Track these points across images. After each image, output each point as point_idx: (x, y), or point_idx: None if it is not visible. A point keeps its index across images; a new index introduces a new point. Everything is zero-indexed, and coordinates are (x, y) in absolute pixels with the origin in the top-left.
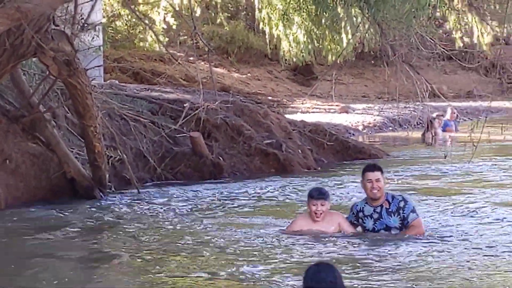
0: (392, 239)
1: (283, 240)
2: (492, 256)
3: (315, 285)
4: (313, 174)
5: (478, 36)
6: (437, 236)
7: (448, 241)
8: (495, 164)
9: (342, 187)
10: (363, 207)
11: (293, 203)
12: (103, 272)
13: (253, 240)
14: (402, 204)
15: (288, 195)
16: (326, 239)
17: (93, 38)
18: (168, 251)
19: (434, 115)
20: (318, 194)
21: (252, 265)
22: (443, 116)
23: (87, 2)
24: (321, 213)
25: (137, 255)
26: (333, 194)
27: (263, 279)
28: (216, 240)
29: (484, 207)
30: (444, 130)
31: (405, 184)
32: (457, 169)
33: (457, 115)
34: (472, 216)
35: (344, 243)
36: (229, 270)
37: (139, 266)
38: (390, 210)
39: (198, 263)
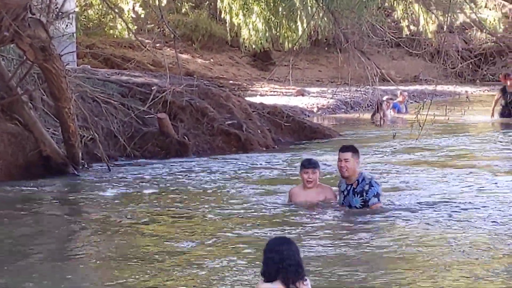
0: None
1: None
2: (436, 224)
3: (274, 256)
4: (271, 152)
5: (424, 24)
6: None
7: (398, 214)
8: (440, 142)
9: (298, 163)
10: (342, 183)
11: (253, 178)
12: (76, 243)
13: (210, 209)
14: (367, 187)
15: (248, 171)
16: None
17: (67, 25)
18: (136, 220)
19: (384, 98)
20: (308, 164)
21: (224, 231)
22: (393, 99)
23: None
24: (312, 181)
25: (107, 225)
26: (290, 170)
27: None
28: (181, 210)
29: (428, 181)
30: (398, 111)
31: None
32: (404, 147)
33: (407, 98)
34: (416, 189)
35: (323, 215)
36: (196, 237)
37: (108, 235)
38: (356, 190)
39: (168, 233)
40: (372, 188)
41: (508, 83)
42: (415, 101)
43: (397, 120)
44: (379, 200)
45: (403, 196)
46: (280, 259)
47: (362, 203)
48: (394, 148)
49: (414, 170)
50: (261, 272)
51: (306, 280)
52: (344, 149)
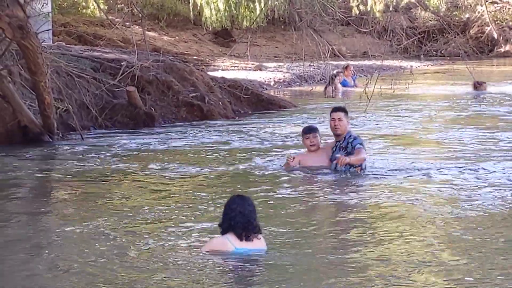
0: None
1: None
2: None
3: (228, 212)
4: (231, 122)
5: (371, 4)
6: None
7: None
8: (387, 114)
9: (255, 132)
10: (334, 142)
11: (214, 146)
12: (49, 207)
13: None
14: (351, 139)
15: (210, 138)
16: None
17: (42, 5)
18: (106, 183)
19: (335, 72)
20: (309, 130)
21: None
22: (343, 73)
23: None
24: (314, 144)
25: (79, 189)
26: (249, 137)
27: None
28: (150, 174)
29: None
30: (345, 86)
31: None
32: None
33: (353, 72)
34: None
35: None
36: (168, 200)
37: (82, 200)
38: (342, 145)
39: (138, 196)
40: (356, 139)
41: None
42: (364, 75)
43: (346, 93)
44: (362, 146)
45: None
46: (233, 215)
47: (345, 154)
48: None
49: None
50: (218, 224)
51: (259, 235)
52: (336, 109)
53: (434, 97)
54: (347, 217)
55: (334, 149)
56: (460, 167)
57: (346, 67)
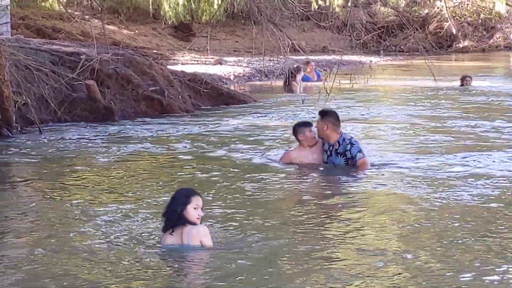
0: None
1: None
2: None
3: (173, 201)
4: (191, 116)
5: None
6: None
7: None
8: (346, 107)
9: (215, 126)
10: (325, 142)
11: (174, 138)
12: (10, 194)
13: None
14: (348, 147)
15: (170, 132)
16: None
17: None
18: (66, 176)
19: (295, 66)
20: (308, 123)
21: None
22: (303, 68)
23: None
24: (314, 137)
25: (34, 182)
26: (209, 131)
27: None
28: (106, 170)
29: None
30: (305, 80)
31: (270, 124)
32: (312, 112)
33: (315, 67)
34: None
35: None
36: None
37: (42, 190)
38: (338, 151)
39: (92, 191)
40: (353, 146)
41: None
42: (324, 70)
43: (308, 87)
44: (363, 154)
45: None
46: (175, 208)
47: (345, 162)
48: (303, 111)
49: None
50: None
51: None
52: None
53: (394, 91)
54: (325, 208)
55: (328, 153)
56: (432, 158)
57: (307, 63)
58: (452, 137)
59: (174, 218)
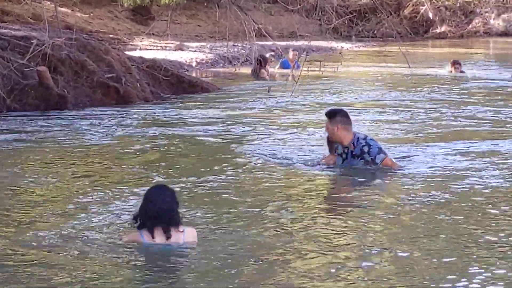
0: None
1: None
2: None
3: (149, 205)
4: (150, 105)
5: None
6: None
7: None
8: (313, 94)
9: (175, 115)
10: (338, 146)
11: (131, 132)
12: None
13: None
14: (366, 148)
15: (127, 123)
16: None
17: None
18: (10, 166)
19: (268, 55)
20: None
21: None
22: (274, 56)
23: None
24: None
25: None
26: (172, 121)
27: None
28: (57, 162)
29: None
30: (285, 68)
31: (234, 113)
32: (279, 100)
33: (298, 56)
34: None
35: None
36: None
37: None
38: (354, 153)
39: (51, 182)
40: (371, 147)
41: None
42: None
43: (285, 76)
44: (385, 154)
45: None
46: (147, 208)
47: (363, 165)
48: (269, 99)
49: (289, 116)
50: (134, 217)
51: (181, 226)
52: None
53: (365, 79)
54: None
55: (344, 156)
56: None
57: (293, 50)
58: (427, 126)
59: (174, 216)
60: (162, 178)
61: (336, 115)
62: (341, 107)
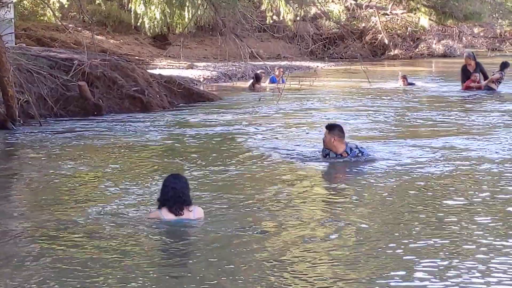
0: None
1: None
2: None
3: (163, 189)
4: (167, 111)
5: (283, 14)
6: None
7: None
8: (295, 103)
9: (189, 119)
10: (329, 152)
11: (153, 132)
12: (15, 175)
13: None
14: (360, 154)
15: (150, 125)
16: None
17: (6, 13)
18: (62, 159)
19: (259, 71)
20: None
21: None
22: (264, 73)
23: None
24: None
25: (38, 163)
26: (185, 124)
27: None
28: (98, 159)
29: (292, 128)
30: (273, 83)
31: (234, 118)
32: (270, 107)
33: (284, 72)
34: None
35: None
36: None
37: (43, 171)
38: (347, 159)
39: (93, 173)
40: (363, 153)
41: None
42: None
43: (273, 89)
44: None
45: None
46: (165, 191)
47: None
48: (260, 107)
49: (280, 121)
50: (157, 199)
51: (191, 206)
52: (326, 127)
53: (335, 90)
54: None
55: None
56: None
57: (279, 68)
58: (385, 125)
59: (186, 198)
60: (182, 167)
61: (335, 129)
62: (338, 123)
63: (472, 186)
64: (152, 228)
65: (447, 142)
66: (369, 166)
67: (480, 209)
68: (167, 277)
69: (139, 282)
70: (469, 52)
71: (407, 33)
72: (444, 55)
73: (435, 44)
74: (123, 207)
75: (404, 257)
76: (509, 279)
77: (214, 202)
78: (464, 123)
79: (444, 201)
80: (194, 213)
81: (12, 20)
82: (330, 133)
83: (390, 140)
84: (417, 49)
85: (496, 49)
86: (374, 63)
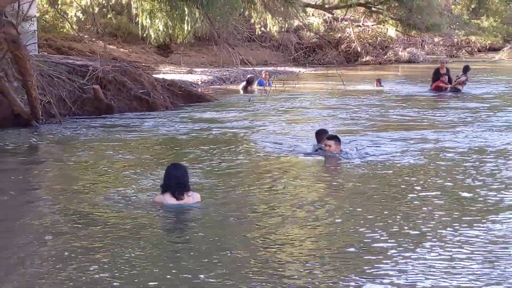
0: None
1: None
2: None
3: (165, 176)
4: (170, 111)
5: (270, 26)
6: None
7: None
8: (281, 103)
9: (190, 117)
10: (319, 148)
11: (159, 128)
12: (39, 169)
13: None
14: (348, 153)
15: (156, 122)
16: None
17: (29, 25)
18: (81, 154)
19: (248, 76)
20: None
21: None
22: (254, 77)
23: (27, 2)
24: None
25: (60, 157)
26: (187, 121)
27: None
28: (114, 153)
29: (287, 126)
30: (261, 85)
31: (230, 115)
32: (259, 106)
33: (269, 76)
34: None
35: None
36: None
37: (64, 164)
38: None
39: (119, 171)
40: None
41: None
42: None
43: (261, 91)
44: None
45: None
46: (168, 178)
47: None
48: (251, 107)
49: (267, 119)
50: (160, 185)
51: (190, 192)
52: (329, 137)
53: (314, 91)
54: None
55: None
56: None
57: (266, 72)
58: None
59: (185, 184)
60: (182, 157)
61: (339, 140)
62: (338, 135)
63: (440, 174)
64: (157, 211)
65: (419, 135)
66: (356, 158)
67: (445, 194)
68: (170, 251)
69: (148, 254)
70: (444, 58)
71: (377, 42)
72: (409, 61)
73: (401, 51)
74: (135, 190)
75: (379, 232)
76: (469, 258)
77: (212, 189)
78: (435, 119)
79: (416, 187)
80: (193, 197)
81: (35, 31)
82: (336, 144)
83: (368, 133)
84: (385, 56)
85: (453, 55)
86: (349, 68)
